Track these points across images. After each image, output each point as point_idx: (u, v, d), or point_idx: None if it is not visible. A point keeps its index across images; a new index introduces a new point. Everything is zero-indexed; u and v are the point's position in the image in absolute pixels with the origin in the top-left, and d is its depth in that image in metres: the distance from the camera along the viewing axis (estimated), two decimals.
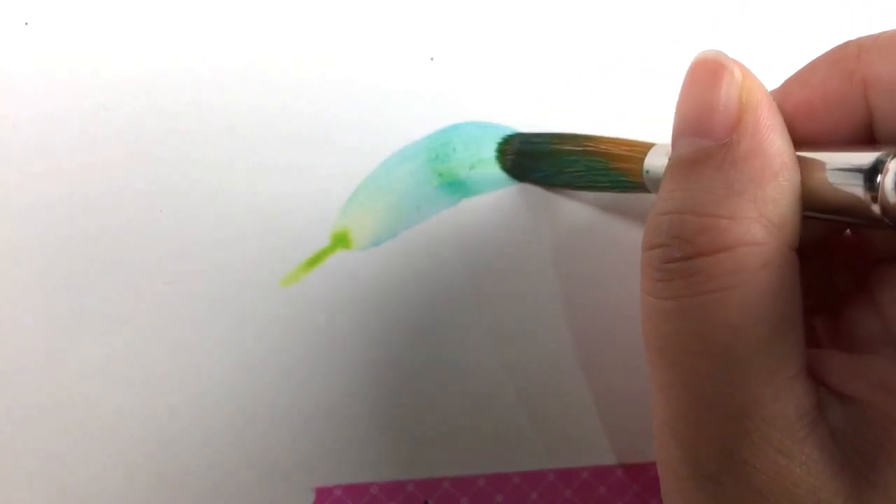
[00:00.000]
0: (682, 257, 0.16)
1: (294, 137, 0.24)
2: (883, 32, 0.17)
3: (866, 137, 0.17)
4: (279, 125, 0.24)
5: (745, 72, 0.17)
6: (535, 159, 0.24)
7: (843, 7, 0.26)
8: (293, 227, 0.24)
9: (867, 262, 0.20)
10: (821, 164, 0.17)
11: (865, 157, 0.16)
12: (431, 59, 0.25)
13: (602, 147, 0.22)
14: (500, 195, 0.25)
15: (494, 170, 0.25)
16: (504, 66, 0.25)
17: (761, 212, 0.16)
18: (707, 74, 0.17)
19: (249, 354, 0.24)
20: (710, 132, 0.17)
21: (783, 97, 0.18)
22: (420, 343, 0.24)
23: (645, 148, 0.21)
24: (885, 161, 0.16)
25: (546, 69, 0.25)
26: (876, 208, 0.16)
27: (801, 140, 0.17)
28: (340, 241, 0.24)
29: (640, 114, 0.26)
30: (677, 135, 0.18)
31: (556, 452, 0.25)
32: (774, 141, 0.17)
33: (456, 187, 0.25)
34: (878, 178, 0.16)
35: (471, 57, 0.25)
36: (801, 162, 0.17)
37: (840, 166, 0.17)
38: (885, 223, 0.16)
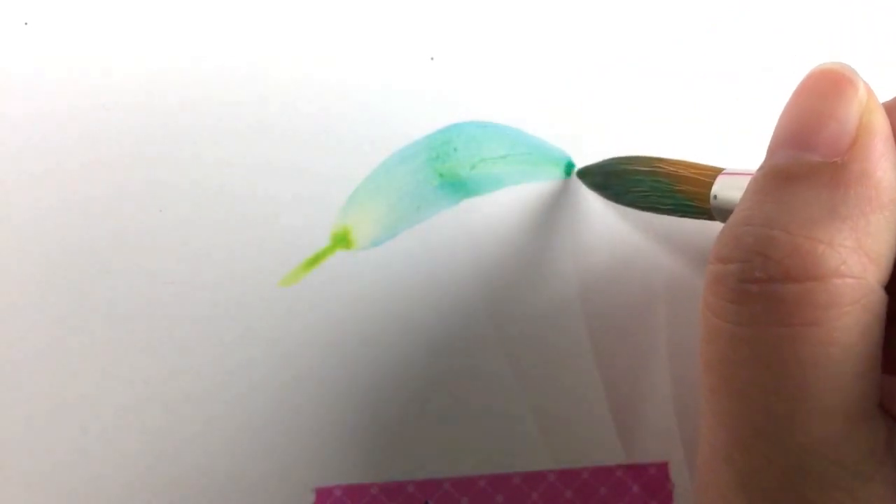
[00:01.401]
0: (765, 279, 0.15)
1: (294, 137, 0.24)
2: None
3: None
4: (279, 125, 0.24)
5: (871, 93, 0.16)
6: (603, 177, 0.24)
7: (842, 7, 0.26)
8: (293, 227, 0.24)
9: None
10: None
11: None
12: (431, 59, 0.25)
13: (668, 168, 0.22)
14: (501, 195, 0.25)
15: (495, 170, 0.25)
16: (504, 66, 0.25)
17: (861, 243, 0.15)
18: (829, 86, 0.16)
19: (249, 354, 0.24)
20: (818, 147, 0.15)
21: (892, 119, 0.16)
22: (420, 343, 0.24)
23: (712, 171, 0.20)
24: None
25: (546, 69, 0.25)
26: None
27: None
28: (340, 241, 0.24)
29: (640, 114, 0.26)
30: (778, 144, 0.16)
31: (556, 453, 0.25)
32: (888, 172, 0.15)
33: (456, 187, 0.25)
34: None
35: (471, 57, 0.25)
36: None
37: None
38: None
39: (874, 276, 0.15)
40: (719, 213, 0.20)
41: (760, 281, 0.15)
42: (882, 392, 0.16)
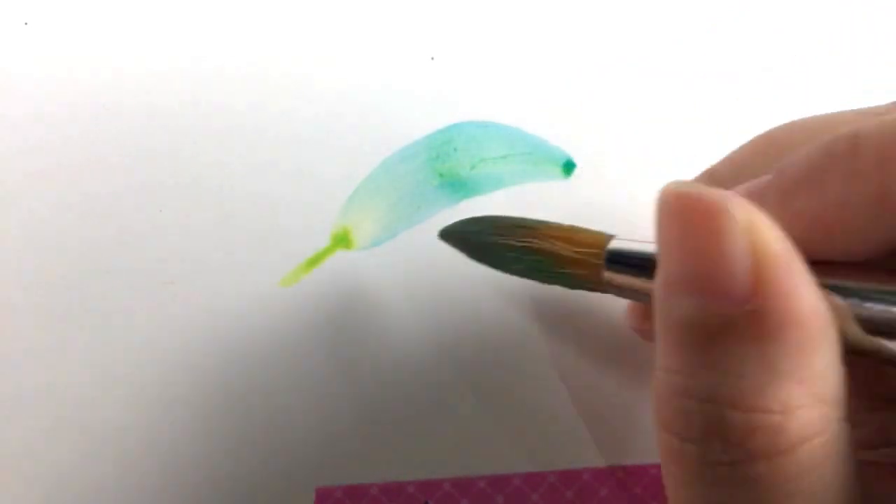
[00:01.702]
0: (730, 462, 0.13)
1: (294, 137, 0.24)
2: (888, 125, 0.14)
3: (886, 254, 0.14)
4: (279, 125, 0.24)
5: (749, 209, 0.14)
6: (477, 252, 0.22)
7: (842, 7, 0.26)
8: (293, 227, 0.24)
9: None
10: (846, 307, 0.14)
11: None
12: (431, 59, 0.25)
13: (550, 245, 0.20)
14: (501, 195, 0.25)
15: (495, 170, 0.25)
16: (504, 66, 0.25)
17: (813, 393, 0.13)
18: (700, 218, 0.14)
19: (249, 354, 0.24)
20: (724, 294, 0.13)
21: (787, 208, 0.15)
22: (420, 343, 0.24)
23: (592, 245, 0.19)
24: None
25: (546, 69, 0.25)
26: None
27: (815, 256, 0.14)
28: (340, 241, 0.24)
29: (640, 114, 0.26)
30: (674, 288, 0.14)
31: (556, 454, 0.25)
32: (807, 298, 0.13)
33: (456, 187, 0.25)
34: None
35: (471, 57, 0.25)
36: (830, 307, 0.14)
37: (876, 313, 0.14)
38: None
39: (835, 418, 0.14)
40: (619, 293, 0.19)
41: (725, 464, 0.14)
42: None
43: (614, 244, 0.18)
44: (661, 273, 0.14)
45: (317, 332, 0.24)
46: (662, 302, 0.14)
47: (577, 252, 0.19)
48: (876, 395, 0.18)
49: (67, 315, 0.24)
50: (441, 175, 0.25)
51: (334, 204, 0.24)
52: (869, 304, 0.14)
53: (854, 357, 0.14)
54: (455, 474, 0.24)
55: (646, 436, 0.25)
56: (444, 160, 0.25)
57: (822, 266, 0.14)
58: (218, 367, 0.24)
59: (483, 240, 0.21)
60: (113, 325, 0.24)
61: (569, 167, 0.25)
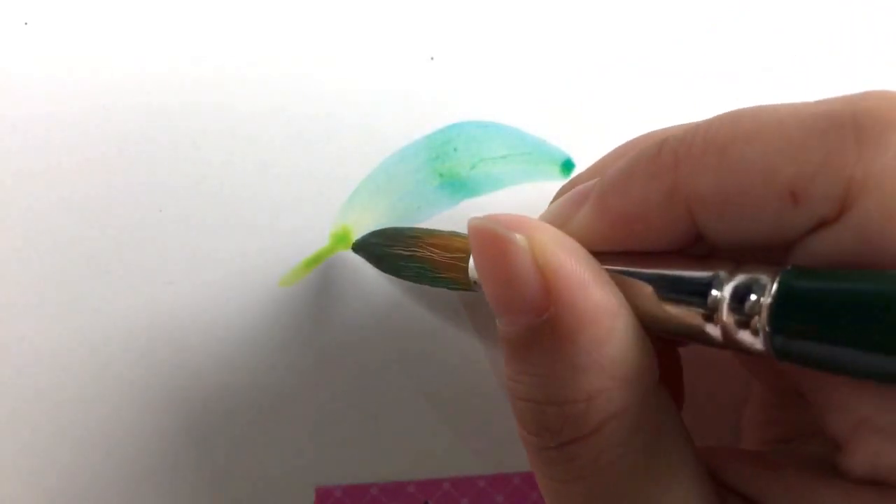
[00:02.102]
0: (556, 446, 0.16)
1: (294, 137, 0.24)
2: (695, 135, 0.15)
3: (692, 243, 0.16)
4: (279, 125, 0.24)
5: (530, 228, 0.16)
6: (378, 260, 0.24)
7: (842, 7, 0.26)
8: (293, 227, 0.24)
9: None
10: (649, 290, 0.16)
11: (696, 278, 0.15)
12: (431, 59, 0.25)
13: (427, 252, 0.21)
14: (501, 195, 0.25)
15: (495, 170, 0.25)
16: (504, 66, 0.25)
17: (613, 376, 0.15)
18: (491, 249, 0.16)
19: (249, 354, 0.24)
20: (524, 310, 0.16)
21: (602, 208, 0.17)
22: (421, 343, 0.24)
23: (464, 250, 0.20)
24: (713, 285, 0.15)
25: (546, 69, 0.25)
26: (712, 329, 0.15)
27: (625, 247, 0.16)
28: (340, 241, 0.24)
29: (640, 114, 0.26)
30: (496, 312, 0.17)
31: None
32: (593, 296, 0.15)
33: (456, 187, 0.25)
34: (710, 300, 0.15)
35: (471, 57, 0.25)
36: (629, 288, 0.16)
37: (670, 290, 0.16)
38: (721, 345, 0.15)
39: (640, 390, 0.15)
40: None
41: (553, 448, 0.16)
42: (723, 465, 0.17)
43: None
44: (488, 299, 0.17)
45: (317, 332, 0.24)
46: (499, 327, 0.17)
47: (450, 258, 0.21)
48: (784, 393, 0.19)
49: (67, 315, 0.24)
50: (441, 175, 0.25)
51: (334, 204, 0.24)
52: (670, 285, 0.16)
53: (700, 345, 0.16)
54: (455, 474, 0.25)
55: None
56: (443, 160, 0.25)
57: (634, 256, 0.16)
58: (218, 367, 0.24)
59: (380, 251, 0.23)
60: (113, 325, 0.24)
61: (568, 167, 0.25)
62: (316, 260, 0.24)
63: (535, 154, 0.25)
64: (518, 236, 0.16)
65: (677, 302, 0.16)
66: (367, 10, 0.25)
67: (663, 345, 0.18)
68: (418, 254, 0.22)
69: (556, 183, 0.25)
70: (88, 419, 0.23)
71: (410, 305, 0.24)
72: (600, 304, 0.15)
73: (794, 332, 0.14)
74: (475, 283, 0.20)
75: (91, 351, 0.24)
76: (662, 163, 0.16)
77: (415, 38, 0.25)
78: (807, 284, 0.14)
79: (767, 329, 0.14)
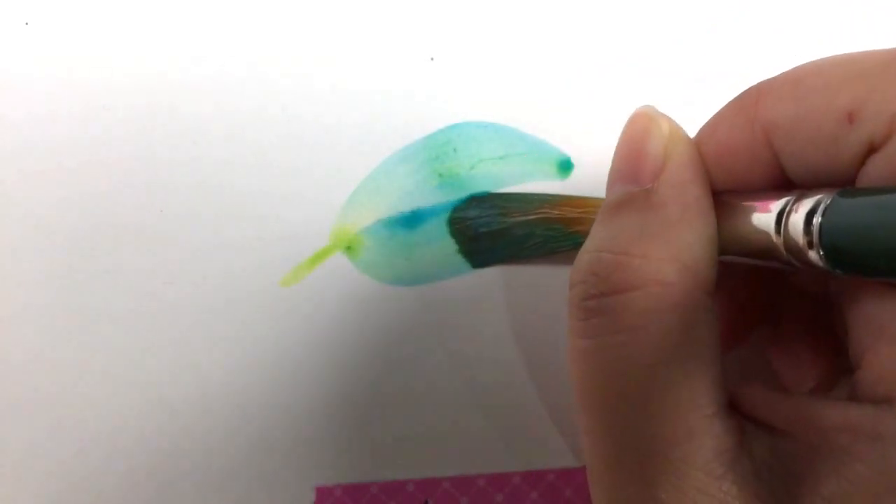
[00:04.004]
0: (598, 294, 0.17)
1: (294, 137, 0.24)
2: (779, 75, 0.18)
3: (780, 180, 0.18)
4: (279, 125, 0.24)
5: (673, 126, 0.19)
6: (493, 241, 0.24)
7: (843, 7, 0.26)
8: (293, 226, 0.24)
9: (820, 296, 0.21)
10: (737, 211, 0.18)
11: (774, 204, 0.17)
12: (431, 59, 0.25)
13: (555, 213, 0.23)
14: None
15: (494, 170, 0.25)
16: (504, 66, 0.25)
17: (673, 254, 0.17)
18: (639, 127, 0.19)
19: (249, 354, 0.24)
20: (637, 179, 0.18)
21: (698, 148, 0.19)
22: (421, 343, 0.24)
23: (597, 205, 0.21)
24: (789, 206, 0.16)
25: (546, 69, 0.25)
26: (782, 248, 0.16)
27: (720, 187, 0.18)
28: (341, 240, 0.24)
29: None
30: (610, 182, 0.19)
31: (556, 452, 0.25)
32: (692, 189, 0.18)
33: (456, 187, 0.25)
34: (784, 222, 0.16)
35: (471, 57, 0.25)
36: (719, 209, 0.18)
37: (754, 212, 0.17)
38: (794, 265, 0.16)
39: (691, 282, 0.17)
40: None
41: (595, 297, 0.17)
42: (746, 400, 0.17)
43: None
44: (608, 173, 0.19)
45: (317, 332, 0.24)
46: (605, 197, 0.19)
47: (581, 212, 0.22)
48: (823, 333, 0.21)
49: (68, 315, 0.24)
50: (441, 175, 0.25)
51: (334, 204, 0.24)
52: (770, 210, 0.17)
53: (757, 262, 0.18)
54: (455, 473, 0.25)
55: None
56: (443, 160, 0.25)
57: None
58: (218, 367, 0.24)
59: (497, 224, 0.24)
60: (113, 325, 0.24)
61: (566, 167, 0.25)
62: (316, 260, 0.24)
63: (533, 154, 0.25)
64: (664, 124, 0.18)
65: (759, 226, 0.17)
66: (367, 11, 0.25)
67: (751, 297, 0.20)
68: (545, 216, 0.23)
69: (555, 183, 0.25)
70: (88, 419, 0.23)
71: (410, 305, 0.25)
72: (693, 199, 0.17)
73: (842, 238, 0.16)
74: None
75: (91, 351, 0.24)
76: (747, 99, 0.18)
77: (415, 38, 0.25)
78: (853, 199, 0.16)
79: (820, 238, 0.16)
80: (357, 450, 0.24)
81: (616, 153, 0.19)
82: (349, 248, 0.24)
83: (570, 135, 0.25)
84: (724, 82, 0.26)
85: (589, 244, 0.18)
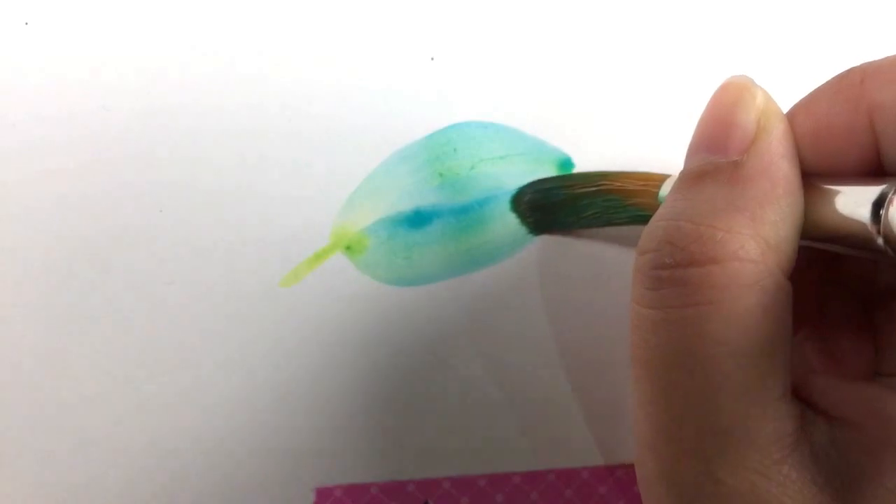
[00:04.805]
0: (673, 264, 0.16)
1: (294, 137, 0.24)
2: (886, 57, 0.17)
3: (874, 166, 0.17)
4: (279, 125, 0.24)
5: (768, 98, 0.18)
6: (552, 211, 0.24)
7: (843, 7, 0.26)
8: (293, 226, 0.24)
9: (865, 292, 0.20)
10: (827, 194, 0.17)
11: (872, 189, 0.16)
12: (431, 59, 0.25)
13: (616, 184, 0.22)
14: (500, 195, 0.25)
15: (494, 170, 0.25)
16: (504, 66, 0.25)
17: (758, 231, 0.16)
18: (731, 96, 0.18)
19: (249, 354, 0.24)
20: (723, 149, 0.17)
21: (790, 125, 0.18)
22: (421, 343, 0.24)
23: (658, 180, 0.21)
24: (889, 193, 0.16)
25: (546, 69, 0.25)
26: (880, 240, 0.16)
27: (809, 169, 0.17)
28: (341, 240, 0.24)
29: (640, 114, 0.26)
30: (692, 150, 0.18)
31: (556, 452, 0.25)
32: (782, 166, 0.17)
33: (456, 187, 0.25)
34: (882, 211, 0.16)
35: (471, 57, 0.25)
36: (807, 190, 0.17)
37: (846, 197, 0.17)
38: (888, 255, 0.16)
39: (773, 261, 0.16)
40: None
41: (669, 266, 0.16)
42: (807, 386, 0.17)
43: (673, 175, 0.21)
44: (690, 140, 0.18)
45: (317, 332, 0.24)
46: (683, 165, 0.18)
47: (641, 184, 0.22)
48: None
49: (67, 315, 0.24)
50: (441, 175, 0.25)
51: (335, 203, 0.24)
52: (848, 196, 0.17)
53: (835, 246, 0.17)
54: (455, 473, 0.25)
55: None
56: (443, 160, 0.25)
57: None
58: (218, 367, 0.24)
59: (556, 196, 0.24)
60: (113, 325, 0.24)
61: (566, 167, 0.25)
62: (316, 260, 0.24)
63: (533, 154, 0.25)
64: (759, 95, 0.17)
65: (850, 212, 0.17)
66: (367, 11, 0.25)
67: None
68: (605, 187, 0.22)
69: None
70: (88, 419, 0.23)
71: (410, 305, 0.25)
72: (783, 176, 0.17)
73: None
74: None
75: (91, 351, 0.24)
76: (849, 80, 0.17)
77: (415, 39, 0.25)
78: None
79: None
80: (357, 450, 0.24)
81: (702, 120, 0.18)
82: (349, 248, 0.24)
83: (570, 135, 0.25)
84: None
85: (666, 211, 0.17)
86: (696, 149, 0.18)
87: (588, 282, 0.25)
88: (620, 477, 0.25)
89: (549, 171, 0.25)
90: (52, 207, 0.24)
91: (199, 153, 0.24)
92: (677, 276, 0.16)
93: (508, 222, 0.25)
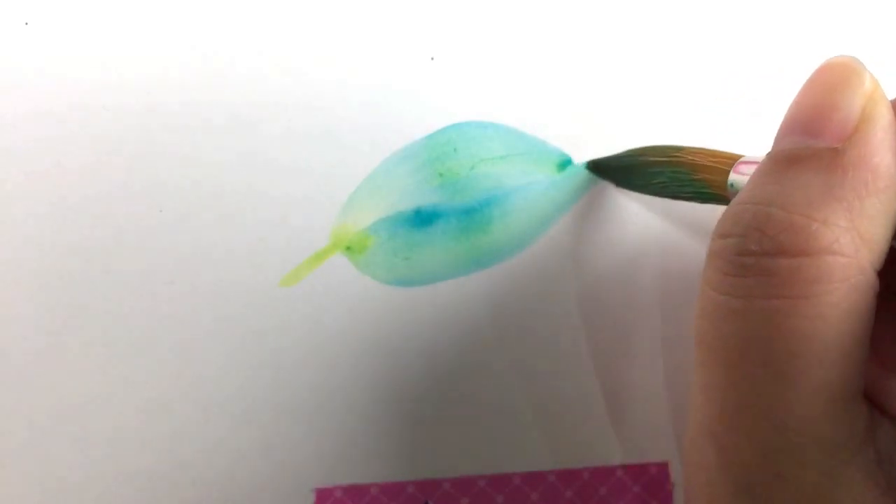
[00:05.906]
0: (760, 252, 0.15)
1: (294, 137, 0.24)
2: None
3: None
4: (279, 125, 0.24)
5: (876, 85, 0.16)
6: (626, 175, 0.24)
7: (843, 7, 0.26)
8: (293, 226, 0.24)
9: None
10: None
11: None
12: (431, 59, 0.25)
13: (687, 157, 0.22)
14: (500, 195, 0.25)
15: (494, 170, 0.25)
16: (504, 66, 0.25)
17: (855, 224, 0.15)
18: (836, 77, 0.16)
19: (249, 354, 0.24)
20: (822, 133, 0.16)
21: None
22: (421, 343, 0.24)
23: (731, 159, 0.20)
24: None
25: (546, 69, 0.25)
26: None
27: None
28: (341, 240, 0.24)
29: (639, 114, 0.26)
30: (785, 131, 0.17)
31: (556, 453, 0.25)
32: (886, 158, 0.16)
33: (456, 187, 0.25)
34: None
35: (471, 57, 0.25)
36: None
37: None
38: None
39: (866, 258, 0.15)
40: None
41: (755, 254, 0.15)
42: (875, 386, 0.16)
43: (746, 157, 0.20)
44: (783, 121, 0.17)
45: (317, 332, 0.24)
46: (773, 146, 0.17)
47: (713, 160, 0.21)
48: None
49: (67, 315, 0.24)
50: (441, 175, 0.25)
51: (335, 203, 0.24)
52: None
53: None
54: (455, 474, 0.25)
55: (647, 436, 0.25)
56: (444, 160, 0.25)
57: None
58: (218, 367, 0.24)
59: (627, 161, 0.24)
60: (113, 325, 0.24)
61: (566, 167, 0.25)
62: (316, 260, 0.24)
63: (534, 154, 0.25)
64: (867, 80, 0.16)
65: None
66: (367, 10, 0.25)
67: None
68: (676, 159, 0.22)
69: (555, 183, 0.25)
70: (88, 419, 0.23)
71: (410, 306, 0.24)
72: (885, 169, 0.16)
73: None
74: (731, 186, 0.20)
75: (91, 351, 0.24)
76: None
77: (415, 38, 0.25)
78: None
79: None
80: (357, 450, 0.24)
81: (799, 100, 0.17)
82: (349, 248, 0.24)
83: (570, 135, 0.25)
84: (725, 82, 0.26)
85: (754, 195, 0.16)
86: (788, 130, 0.17)
87: (588, 283, 0.25)
88: (621, 477, 0.25)
89: (549, 171, 0.25)
90: (52, 207, 0.24)
91: (199, 153, 0.24)
92: (764, 266, 0.15)
93: (509, 223, 0.25)
